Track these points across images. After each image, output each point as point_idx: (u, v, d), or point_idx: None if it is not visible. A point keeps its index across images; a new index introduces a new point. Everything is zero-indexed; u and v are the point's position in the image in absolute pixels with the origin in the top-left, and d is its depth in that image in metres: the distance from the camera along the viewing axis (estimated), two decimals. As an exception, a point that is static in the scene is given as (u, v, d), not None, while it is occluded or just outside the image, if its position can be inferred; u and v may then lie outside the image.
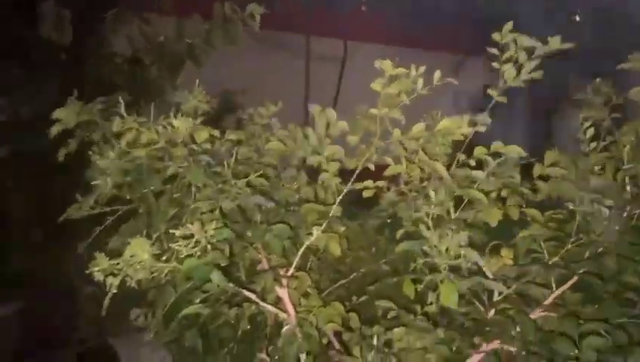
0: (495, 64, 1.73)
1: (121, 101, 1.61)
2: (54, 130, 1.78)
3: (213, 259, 1.29)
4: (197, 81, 1.88)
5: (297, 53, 8.50)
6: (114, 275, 1.30)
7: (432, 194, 1.53)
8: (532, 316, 1.50)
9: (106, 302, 1.38)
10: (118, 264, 1.32)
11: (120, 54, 4.91)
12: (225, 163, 1.52)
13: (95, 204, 1.76)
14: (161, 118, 1.58)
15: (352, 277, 1.78)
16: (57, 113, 1.77)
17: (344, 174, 1.66)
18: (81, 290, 4.09)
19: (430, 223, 1.52)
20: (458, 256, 1.49)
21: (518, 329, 1.47)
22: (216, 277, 1.27)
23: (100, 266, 1.31)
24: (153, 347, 2.07)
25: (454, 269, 1.48)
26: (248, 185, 1.49)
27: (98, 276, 1.31)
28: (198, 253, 1.28)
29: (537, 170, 1.67)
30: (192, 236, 1.29)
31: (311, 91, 8.75)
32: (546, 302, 1.55)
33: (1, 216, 4.36)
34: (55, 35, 4.83)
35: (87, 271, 1.37)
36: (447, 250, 1.49)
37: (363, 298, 1.72)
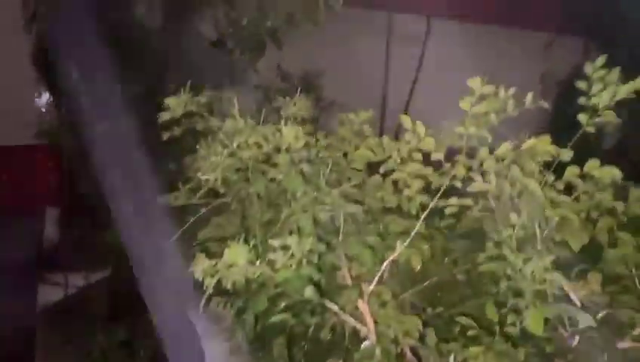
0: (583, 99, 1.68)
1: (235, 103, 1.68)
2: (165, 116, 1.87)
3: (308, 273, 1.35)
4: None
5: (378, 30, 8.38)
6: (212, 276, 1.39)
7: (514, 217, 1.51)
8: (620, 346, 1.47)
9: (202, 302, 1.48)
10: (216, 265, 1.40)
11: (206, 37, 5.07)
12: (320, 172, 1.55)
13: (191, 194, 1.85)
14: (270, 123, 1.63)
15: (427, 284, 1.79)
16: (168, 101, 1.86)
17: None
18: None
19: (514, 245, 1.51)
20: (543, 281, 1.47)
21: (604, 358, 1.44)
22: (309, 292, 1.33)
23: (200, 266, 1.39)
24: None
25: (539, 294, 1.47)
26: (342, 194, 1.53)
27: (197, 275, 1.40)
28: (294, 266, 1.34)
29: (634, 194, 1.60)
30: (288, 247, 1.35)
31: (391, 70, 8.62)
32: (636, 333, 1.50)
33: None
34: (146, 18, 5.03)
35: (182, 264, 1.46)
36: (532, 273, 1.48)
37: (438, 309, 1.73)
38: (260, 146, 1.58)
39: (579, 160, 1.79)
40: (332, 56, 7.73)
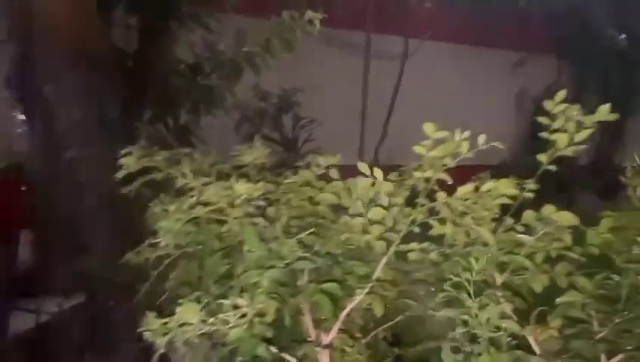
0: (545, 133, 1.72)
1: (185, 161, 1.67)
2: (119, 175, 1.88)
3: (259, 332, 1.34)
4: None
5: (357, 50, 8.45)
6: (163, 335, 1.38)
7: (473, 262, 1.52)
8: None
9: (155, 359, 1.46)
10: (167, 324, 1.39)
11: (182, 61, 5.08)
12: (277, 222, 1.55)
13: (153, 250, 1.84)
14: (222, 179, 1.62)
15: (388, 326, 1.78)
16: (122, 160, 1.86)
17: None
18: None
19: (471, 290, 1.52)
20: (499, 328, 1.48)
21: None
22: (262, 350, 1.32)
23: (151, 327, 1.38)
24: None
25: (494, 341, 1.48)
26: (301, 243, 1.53)
27: (148, 336, 1.39)
28: (245, 325, 1.33)
29: (591, 236, 1.63)
30: (239, 306, 1.35)
31: (370, 89, 8.68)
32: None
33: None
34: (122, 42, 5.03)
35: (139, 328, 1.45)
36: (488, 320, 1.49)
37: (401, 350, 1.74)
38: (212, 203, 1.57)
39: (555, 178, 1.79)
40: (311, 76, 7.75)
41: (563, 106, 1.66)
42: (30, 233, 5.94)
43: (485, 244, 1.57)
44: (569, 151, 1.71)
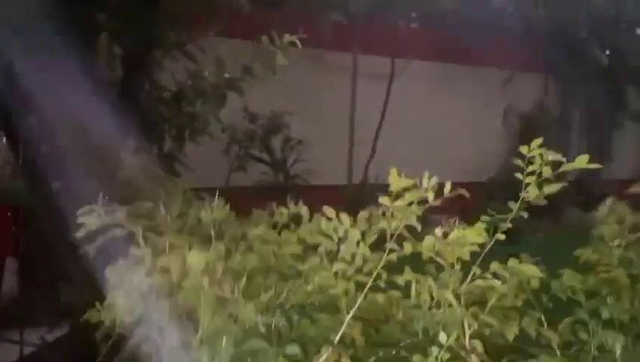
0: (519, 175, 1.73)
1: (139, 231, 1.63)
2: (80, 233, 1.82)
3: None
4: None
5: (344, 70, 8.50)
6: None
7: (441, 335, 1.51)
8: None
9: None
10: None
11: (167, 88, 5.08)
12: (235, 287, 1.52)
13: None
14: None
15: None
16: (81, 218, 1.81)
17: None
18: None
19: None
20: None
21: None
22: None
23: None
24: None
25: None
26: (261, 306, 1.51)
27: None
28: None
29: (555, 287, 1.63)
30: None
31: (357, 109, 8.72)
32: None
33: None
34: (107, 71, 5.03)
35: None
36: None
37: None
38: (166, 273, 1.54)
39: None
40: (299, 97, 7.77)
41: (538, 151, 1.67)
42: (15, 262, 5.89)
43: (450, 305, 1.57)
44: (538, 200, 1.71)
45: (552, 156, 1.66)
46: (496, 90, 9.74)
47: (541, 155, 1.67)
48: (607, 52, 10.09)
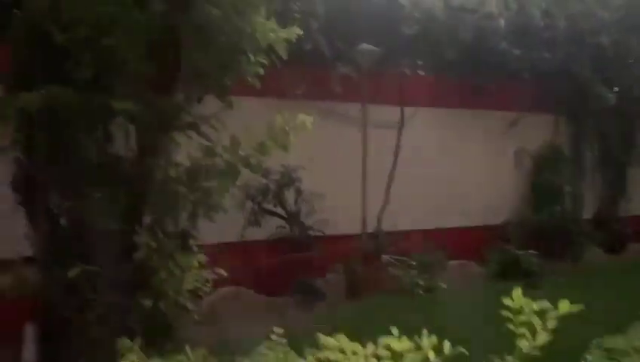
0: (511, 326, 1.79)
1: None
2: None
3: None
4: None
5: (354, 121, 8.60)
6: None
7: None
8: None
9: None
10: None
11: (180, 163, 5.21)
12: None
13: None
14: None
15: None
16: None
17: None
18: None
19: None
20: None
21: None
22: None
23: None
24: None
25: None
26: None
27: None
28: None
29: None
30: None
31: (369, 157, 8.79)
32: None
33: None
34: (122, 150, 5.18)
35: None
36: None
37: None
38: None
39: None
40: (311, 149, 7.84)
41: (525, 301, 1.73)
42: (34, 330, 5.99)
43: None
44: (534, 351, 1.78)
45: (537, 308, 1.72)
46: (506, 133, 9.80)
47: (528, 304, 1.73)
48: (615, 89, 10.13)
